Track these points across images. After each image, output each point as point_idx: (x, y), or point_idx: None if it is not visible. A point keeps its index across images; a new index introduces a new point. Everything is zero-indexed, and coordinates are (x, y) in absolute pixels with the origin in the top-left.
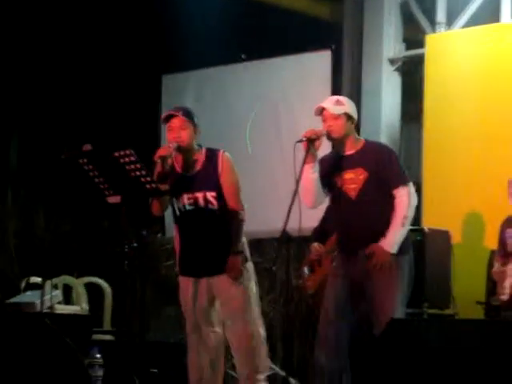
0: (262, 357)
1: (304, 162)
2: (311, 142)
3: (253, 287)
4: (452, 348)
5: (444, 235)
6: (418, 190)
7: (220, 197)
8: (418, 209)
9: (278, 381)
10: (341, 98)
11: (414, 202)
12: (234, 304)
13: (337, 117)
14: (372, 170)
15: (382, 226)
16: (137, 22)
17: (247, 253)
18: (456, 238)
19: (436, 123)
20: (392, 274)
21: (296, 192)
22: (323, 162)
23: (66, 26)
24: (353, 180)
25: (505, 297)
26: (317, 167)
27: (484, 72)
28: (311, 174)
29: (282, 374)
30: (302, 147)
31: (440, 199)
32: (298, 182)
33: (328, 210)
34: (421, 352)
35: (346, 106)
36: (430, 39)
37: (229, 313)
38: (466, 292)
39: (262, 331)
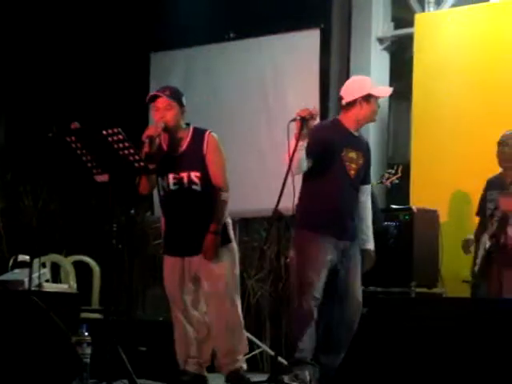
0: (240, 337)
1: (296, 140)
2: (305, 121)
3: (233, 267)
4: (439, 327)
5: (432, 215)
6: (407, 170)
7: (204, 177)
8: (407, 188)
9: (267, 359)
10: None
11: None
12: (213, 283)
13: None
14: (367, 158)
15: (356, 212)
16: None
17: (231, 234)
18: (444, 217)
19: (425, 103)
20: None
21: (288, 171)
22: (325, 131)
23: (55, 5)
24: (354, 160)
25: (476, 267)
26: (304, 145)
27: (473, 51)
28: (300, 151)
29: (271, 352)
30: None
31: (428, 178)
32: (291, 160)
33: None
34: (408, 330)
35: None
36: (420, 18)
37: (208, 292)
38: (454, 271)
39: (240, 312)
